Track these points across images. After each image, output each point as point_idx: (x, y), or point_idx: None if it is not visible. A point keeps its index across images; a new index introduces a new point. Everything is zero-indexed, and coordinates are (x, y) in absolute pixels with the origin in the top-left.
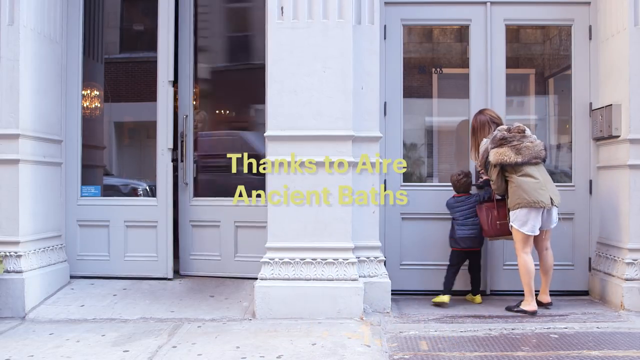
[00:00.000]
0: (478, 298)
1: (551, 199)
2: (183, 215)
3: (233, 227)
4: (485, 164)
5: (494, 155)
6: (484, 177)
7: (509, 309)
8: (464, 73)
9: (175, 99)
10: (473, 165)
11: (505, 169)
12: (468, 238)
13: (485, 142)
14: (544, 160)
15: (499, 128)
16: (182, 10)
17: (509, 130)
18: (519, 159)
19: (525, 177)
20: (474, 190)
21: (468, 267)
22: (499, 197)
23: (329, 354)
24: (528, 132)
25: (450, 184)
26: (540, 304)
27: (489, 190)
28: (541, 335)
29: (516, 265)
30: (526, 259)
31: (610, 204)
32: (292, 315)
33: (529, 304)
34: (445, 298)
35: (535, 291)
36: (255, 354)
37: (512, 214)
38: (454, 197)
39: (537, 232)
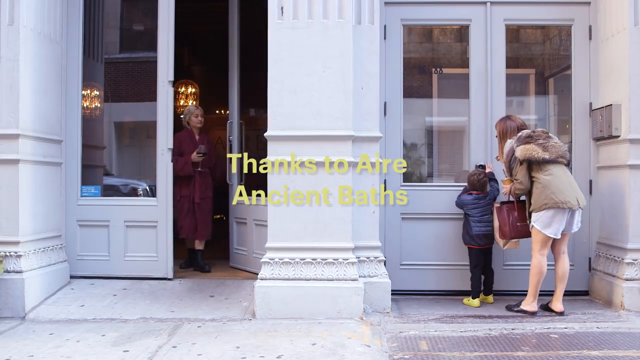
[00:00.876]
0: (490, 298)
1: (577, 200)
2: (231, 213)
3: (253, 225)
4: (510, 165)
5: (522, 151)
6: (489, 170)
7: (509, 308)
8: (464, 73)
9: (175, 99)
10: (473, 166)
11: (531, 168)
12: (484, 235)
13: (510, 142)
14: (567, 163)
15: (523, 130)
16: (231, 15)
17: (533, 131)
18: (547, 156)
19: (552, 176)
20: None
21: (482, 267)
22: (514, 199)
23: (329, 354)
24: (552, 135)
25: (452, 183)
26: (551, 311)
27: (495, 188)
28: (541, 335)
29: (516, 265)
30: (541, 261)
31: (610, 204)
32: (292, 315)
33: (530, 304)
34: (475, 302)
35: (541, 293)
36: (255, 354)
37: (536, 215)
38: (470, 193)
39: (559, 236)
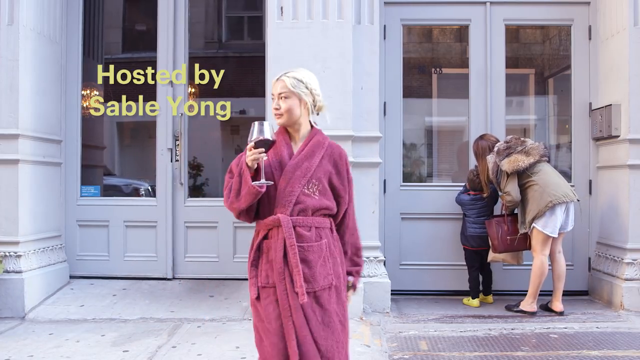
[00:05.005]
0: (490, 298)
1: (572, 192)
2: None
3: (232, 228)
4: (497, 180)
5: (508, 164)
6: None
7: (508, 308)
8: (464, 73)
9: None
10: (472, 165)
11: (520, 177)
12: (479, 237)
13: (491, 158)
14: (549, 160)
15: (497, 144)
16: (177, 7)
17: (507, 142)
18: (532, 160)
19: (544, 174)
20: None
21: (478, 267)
22: (506, 213)
23: None
24: (524, 138)
25: (452, 183)
26: (550, 311)
27: (494, 190)
28: (541, 335)
29: (516, 265)
30: (544, 261)
31: (609, 204)
32: None
33: (530, 305)
34: (475, 302)
35: (540, 293)
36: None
37: (537, 219)
38: (468, 194)
39: (557, 234)
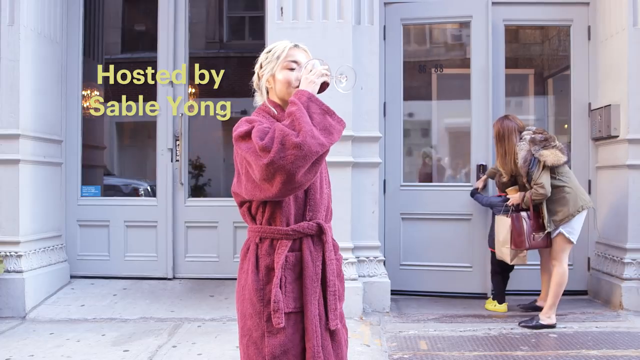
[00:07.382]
0: (503, 307)
1: None
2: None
3: (232, 228)
4: (529, 170)
5: (552, 157)
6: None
7: (526, 326)
8: (464, 73)
9: None
10: (474, 165)
11: (551, 173)
12: None
13: (524, 146)
14: None
15: (525, 132)
16: (178, 7)
17: (540, 134)
18: (565, 158)
19: (574, 178)
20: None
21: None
22: (523, 208)
23: None
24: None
25: (452, 183)
26: (539, 309)
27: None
28: (540, 334)
29: (520, 265)
30: (566, 270)
31: (609, 204)
32: None
33: (551, 317)
34: (502, 307)
35: (533, 292)
36: None
37: (565, 222)
38: (499, 195)
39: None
